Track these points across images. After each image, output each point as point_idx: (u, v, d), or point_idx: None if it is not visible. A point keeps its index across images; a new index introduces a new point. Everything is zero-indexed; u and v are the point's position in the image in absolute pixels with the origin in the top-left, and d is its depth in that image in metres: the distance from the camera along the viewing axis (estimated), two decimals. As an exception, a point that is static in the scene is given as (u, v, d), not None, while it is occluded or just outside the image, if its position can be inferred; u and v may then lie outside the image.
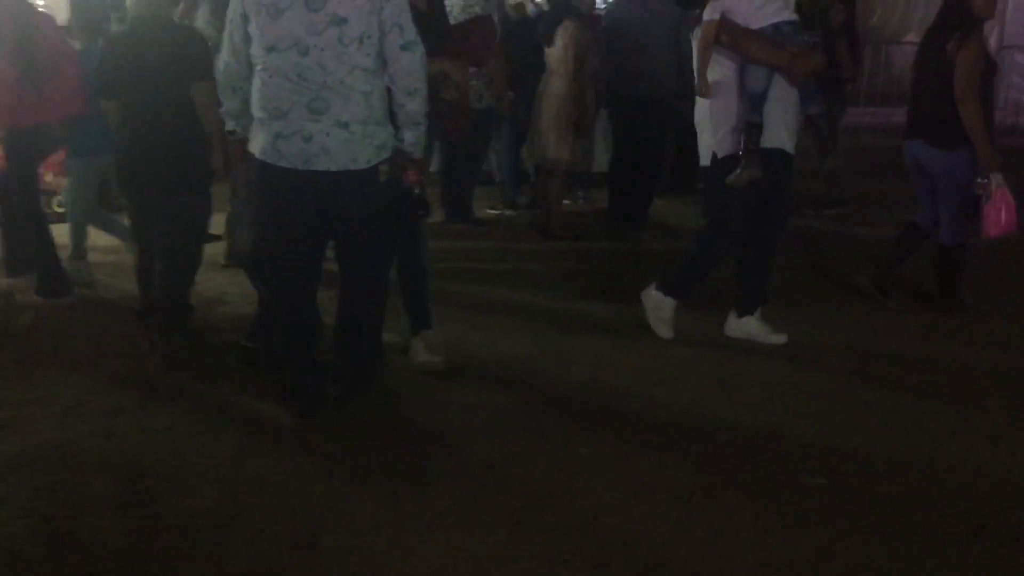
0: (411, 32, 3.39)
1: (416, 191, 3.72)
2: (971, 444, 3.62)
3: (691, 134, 7.36)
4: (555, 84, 6.24)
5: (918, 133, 5.03)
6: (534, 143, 6.47)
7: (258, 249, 3.76)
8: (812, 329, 4.82)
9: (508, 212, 7.21)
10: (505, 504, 3.09)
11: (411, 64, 3.40)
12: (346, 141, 3.37)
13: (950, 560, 2.86)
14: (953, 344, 4.69)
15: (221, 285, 5.16)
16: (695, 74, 4.47)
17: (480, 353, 4.39)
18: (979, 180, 4.75)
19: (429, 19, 3.90)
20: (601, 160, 7.43)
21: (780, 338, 4.62)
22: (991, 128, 4.92)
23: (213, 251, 5.19)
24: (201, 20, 4.88)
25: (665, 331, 4.63)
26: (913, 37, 12.59)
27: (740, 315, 4.69)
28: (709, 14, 4.31)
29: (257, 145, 3.45)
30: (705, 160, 4.58)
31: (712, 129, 4.47)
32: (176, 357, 4.08)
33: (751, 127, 4.31)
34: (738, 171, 4.31)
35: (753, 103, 4.30)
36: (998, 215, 4.71)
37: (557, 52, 6.23)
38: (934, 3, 4.96)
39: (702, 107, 4.52)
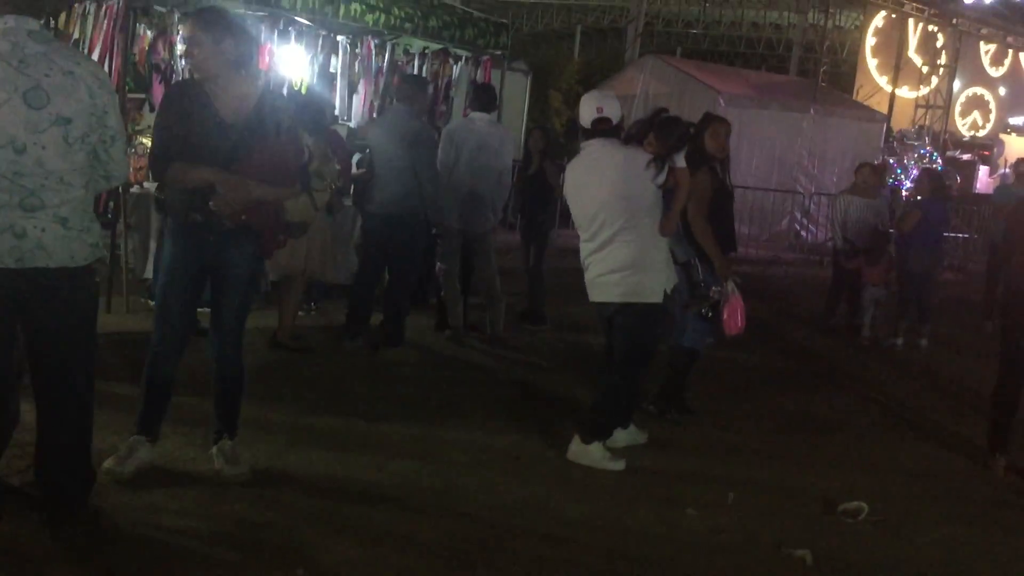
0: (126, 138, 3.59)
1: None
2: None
3: (427, 250, 7.58)
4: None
5: None
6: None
7: None
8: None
9: None
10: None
11: (128, 167, 3.67)
12: (63, 238, 3.24)
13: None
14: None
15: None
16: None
17: (197, 469, 4.19)
18: (714, 288, 5.22)
19: (233, 128, 3.86)
20: (340, 273, 7.38)
21: (619, 464, 4.71)
22: (732, 244, 5.51)
23: None
24: None
25: (618, 464, 4.70)
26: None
27: (586, 441, 4.73)
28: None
29: None
30: (635, 296, 4.67)
31: (664, 267, 4.74)
32: None
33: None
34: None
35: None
36: (734, 316, 5.21)
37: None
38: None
39: (651, 246, 4.68)
